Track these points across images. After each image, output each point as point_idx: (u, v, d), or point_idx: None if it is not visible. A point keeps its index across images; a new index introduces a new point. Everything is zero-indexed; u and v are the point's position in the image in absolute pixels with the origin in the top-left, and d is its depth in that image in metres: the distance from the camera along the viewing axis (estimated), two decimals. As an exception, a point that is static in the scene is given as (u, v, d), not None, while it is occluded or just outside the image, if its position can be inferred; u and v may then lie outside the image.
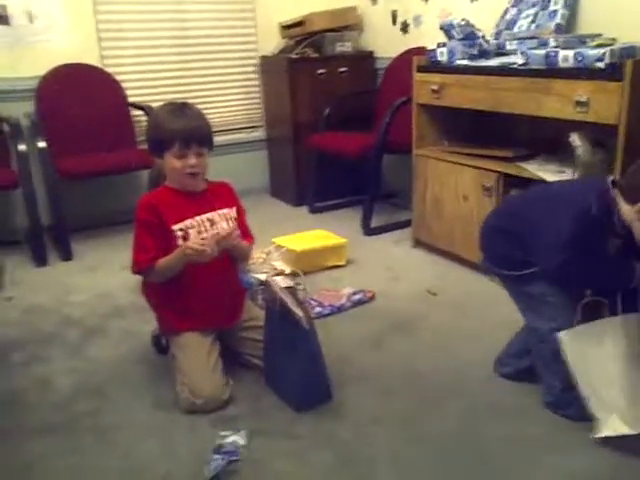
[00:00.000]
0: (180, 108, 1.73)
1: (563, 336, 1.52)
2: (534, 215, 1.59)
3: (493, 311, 2.22)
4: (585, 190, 1.55)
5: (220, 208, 1.79)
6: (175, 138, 1.68)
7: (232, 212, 1.81)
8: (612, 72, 1.91)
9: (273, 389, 1.78)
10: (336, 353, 1.93)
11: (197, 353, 1.76)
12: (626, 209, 1.43)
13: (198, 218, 1.75)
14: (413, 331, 2.15)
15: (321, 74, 3.47)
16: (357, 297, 2.35)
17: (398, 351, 2.02)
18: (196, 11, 3.48)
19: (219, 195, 1.83)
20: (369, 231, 3.11)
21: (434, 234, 2.78)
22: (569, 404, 1.59)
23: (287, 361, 1.70)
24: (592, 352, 1.49)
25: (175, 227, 1.72)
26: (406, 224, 3.02)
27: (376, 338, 2.10)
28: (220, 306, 1.83)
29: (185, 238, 1.71)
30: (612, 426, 1.45)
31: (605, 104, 1.95)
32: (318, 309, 2.25)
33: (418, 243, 2.90)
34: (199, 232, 1.72)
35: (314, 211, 3.49)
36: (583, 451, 1.50)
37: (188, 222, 1.73)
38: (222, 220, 1.78)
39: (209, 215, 1.76)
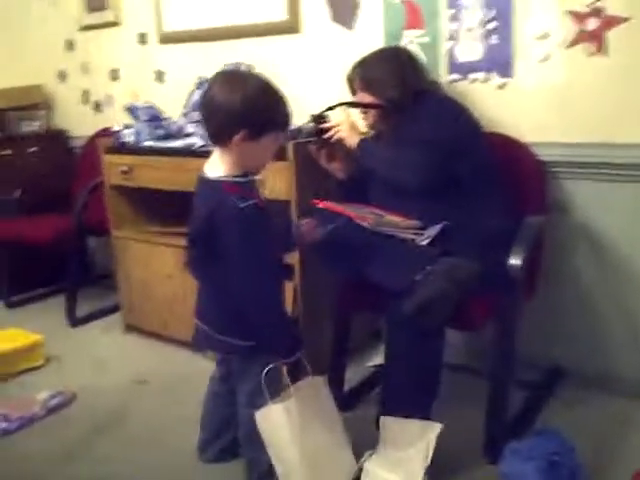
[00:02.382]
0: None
1: (258, 416, 1.54)
2: None
3: (204, 391, 2.19)
4: None
5: None
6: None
7: None
8: (279, 154, 2.08)
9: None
10: (18, 477, 1.69)
11: None
12: None
13: None
14: (117, 430, 2.00)
15: (6, 155, 3.18)
16: (54, 402, 2.11)
17: (96, 459, 1.85)
18: None
19: None
20: (75, 321, 2.87)
21: (145, 317, 2.68)
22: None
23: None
24: (276, 432, 1.52)
25: None
26: (118, 308, 2.86)
27: (70, 448, 1.90)
28: None
29: None
30: None
31: (278, 182, 2.10)
32: (3, 425, 1.96)
33: (130, 328, 2.76)
34: None
35: (11, 306, 3.11)
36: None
37: None
38: None
39: None
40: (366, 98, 1.94)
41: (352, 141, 1.90)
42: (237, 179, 1.45)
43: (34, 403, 2.10)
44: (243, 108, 1.38)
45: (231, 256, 1.42)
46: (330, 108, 1.99)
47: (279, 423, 1.51)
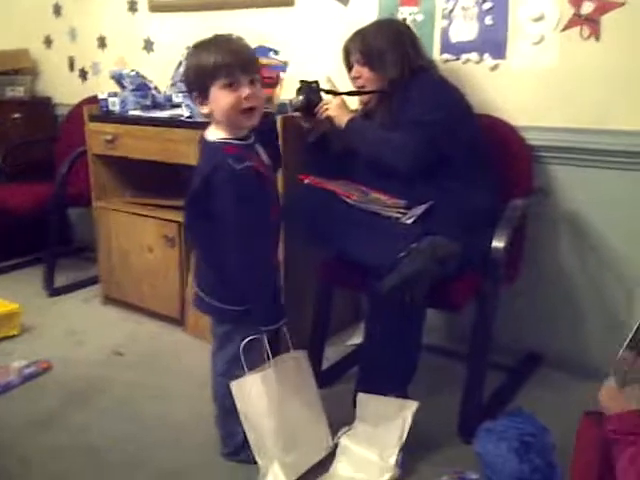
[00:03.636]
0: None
1: (233, 386, 1.53)
2: None
3: (182, 364, 2.18)
4: None
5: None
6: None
7: None
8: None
9: None
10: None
11: None
12: None
13: None
14: (93, 401, 1.97)
15: (-11, 120, 3.12)
16: (29, 371, 2.08)
17: (73, 428, 1.83)
18: None
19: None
20: (53, 291, 2.83)
21: (124, 289, 2.65)
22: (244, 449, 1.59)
23: None
24: (253, 402, 1.51)
25: None
26: (97, 280, 2.83)
27: (46, 416, 1.87)
28: None
29: None
30: (272, 474, 1.49)
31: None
32: (-23, 392, 1.94)
33: (109, 300, 2.73)
34: None
35: (-12, 274, 3.07)
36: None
37: None
38: None
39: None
40: (364, 73, 1.89)
41: (341, 120, 1.86)
42: (236, 141, 1.44)
43: (9, 371, 2.07)
44: (185, 74, 1.48)
45: (224, 218, 1.41)
46: (331, 92, 1.94)
47: (256, 393, 1.50)
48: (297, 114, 1.98)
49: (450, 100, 1.84)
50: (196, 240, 1.60)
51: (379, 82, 1.87)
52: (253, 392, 1.49)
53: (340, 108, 1.88)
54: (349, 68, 1.95)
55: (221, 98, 1.40)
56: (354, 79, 1.93)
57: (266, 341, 1.49)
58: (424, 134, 1.72)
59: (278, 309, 1.50)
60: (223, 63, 1.38)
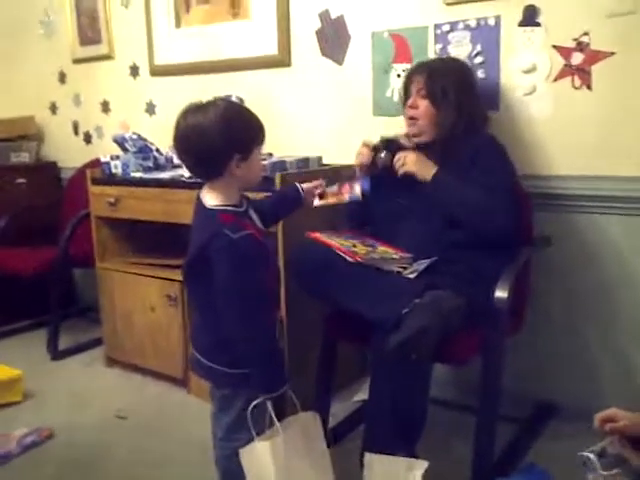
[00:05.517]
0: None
1: (242, 453, 1.46)
2: None
3: (185, 428, 2.14)
4: None
5: None
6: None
7: None
8: (266, 185, 2.06)
9: None
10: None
11: None
12: None
13: None
14: (94, 468, 1.93)
15: (-5, 186, 3.17)
16: (29, 439, 2.04)
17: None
18: None
19: None
20: (57, 354, 2.81)
21: (127, 350, 2.62)
22: None
23: None
24: (261, 470, 1.44)
25: None
26: (101, 341, 2.80)
27: (46, 486, 1.83)
28: None
29: None
30: None
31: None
32: (-23, 463, 1.90)
33: (112, 362, 2.70)
34: None
35: (-8, 339, 3.06)
36: None
37: None
38: None
39: None
40: (422, 106, 1.86)
41: (424, 174, 1.79)
42: (232, 208, 1.43)
43: (10, 440, 2.03)
44: (228, 135, 1.37)
45: (221, 286, 1.39)
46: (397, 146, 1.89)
47: (265, 461, 1.44)
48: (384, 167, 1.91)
49: (512, 167, 1.88)
50: (194, 303, 1.58)
51: (433, 119, 1.85)
52: (262, 460, 1.43)
53: (418, 162, 1.82)
54: (407, 96, 1.93)
55: (257, 162, 1.45)
56: (409, 107, 1.90)
57: (270, 406, 1.45)
58: (506, 200, 1.74)
59: (281, 374, 1.46)
60: (263, 127, 1.43)
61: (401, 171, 1.83)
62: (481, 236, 1.74)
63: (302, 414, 1.54)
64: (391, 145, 1.89)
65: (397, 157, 1.84)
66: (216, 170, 1.40)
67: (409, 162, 1.82)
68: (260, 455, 1.44)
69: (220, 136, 1.35)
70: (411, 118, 1.90)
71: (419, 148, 1.89)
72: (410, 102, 1.89)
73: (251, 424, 1.42)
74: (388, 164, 1.87)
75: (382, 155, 1.88)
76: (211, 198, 1.44)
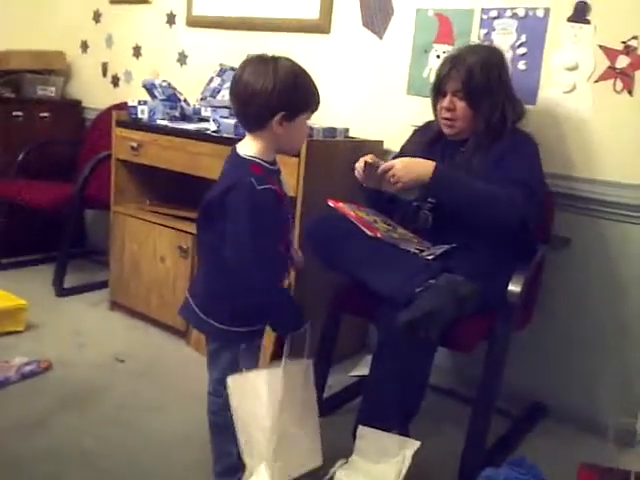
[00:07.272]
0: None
1: (230, 381, 1.45)
2: None
3: (182, 378, 2.16)
4: None
5: None
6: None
7: None
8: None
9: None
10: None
11: None
12: None
13: None
14: (89, 405, 1.95)
15: (17, 117, 3.15)
16: (28, 368, 2.07)
17: (65, 430, 1.80)
18: None
19: None
20: (62, 291, 2.83)
21: (131, 296, 2.64)
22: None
23: None
24: (250, 400, 1.45)
25: None
26: (106, 284, 2.82)
27: (40, 416, 1.85)
28: None
29: None
30: (258, 476, 1.43)
31: (286, 178, 2.06)
32: (-25, 385, 1.92)
33: (115, 305, 2.72)
34: None
35: (0, 268, 3.07)
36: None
37: None
38: None
39: None
40: (460, 108, 1.77)
41: (423, 174, 1.66)
42: (264, 163, 1.43)
43: (9, 367, 2.06)
44: (279, 91, 1.36)
45: (236, 233, 1.39)
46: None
47: (259, 391, 1.44)
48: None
49: (539, 166, 1.82)
50: (202, 249, 1.58)
51: (471, 118, 1.78)
52: (254, 389, 1.43)
53: (410, 166, 1.69)
54: (439, 94, 1.82)
55: (303, 127, 1.46)
56: (445, 109, 1.80)
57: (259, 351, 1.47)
58: (519, 194, 1.66)
59: (300, 311, 1.47)
60: (318, 96, 1.44)
61: (399, 186, 1.68)
62: (483, 222, 1.68)
63: (303, 360, 1.53)
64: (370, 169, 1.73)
65: (386, 170, 1.69)
66: (258, 121, 1.39)
67: (400, 173, 1.67)
68: (254, 385, 1.44)
69: (273, 87, 1.35)
70: (447, 119, 1.81)
71: (454, 142, 1.85)
72: (446, 104, 1.79)
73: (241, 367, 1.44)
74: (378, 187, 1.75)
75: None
76: (246, 148, 1.44)
